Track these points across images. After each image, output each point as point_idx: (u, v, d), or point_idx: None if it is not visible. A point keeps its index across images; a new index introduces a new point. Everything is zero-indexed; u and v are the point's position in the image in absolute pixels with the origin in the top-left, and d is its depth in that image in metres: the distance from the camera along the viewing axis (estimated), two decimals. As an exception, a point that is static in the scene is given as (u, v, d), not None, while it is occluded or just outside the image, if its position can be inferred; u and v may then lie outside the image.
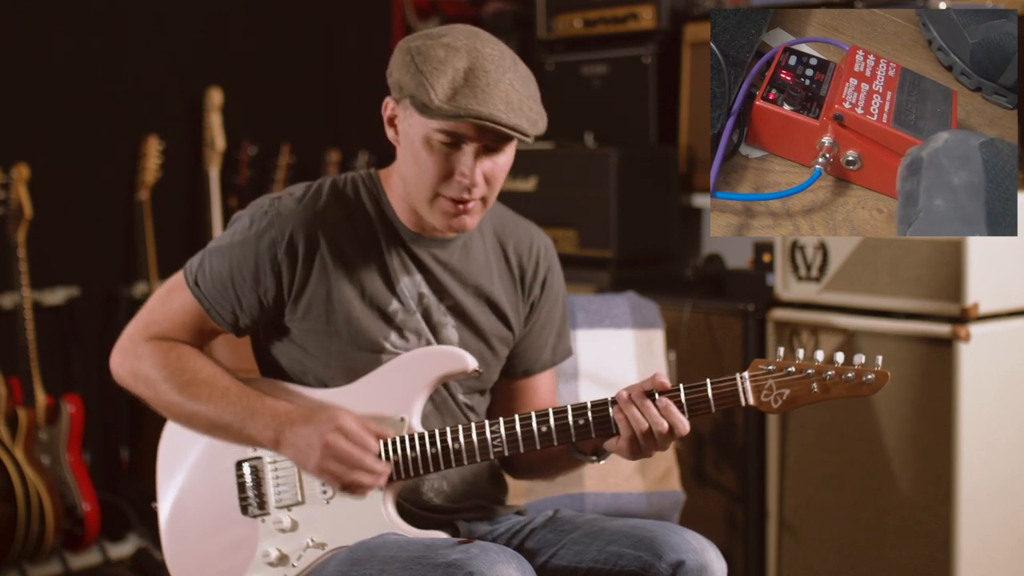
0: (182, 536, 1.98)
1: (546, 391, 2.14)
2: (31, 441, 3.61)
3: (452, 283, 1.99)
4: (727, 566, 1.87)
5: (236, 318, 1.96)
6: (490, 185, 1.87)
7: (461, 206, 1.87)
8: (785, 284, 3.07)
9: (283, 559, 1.93)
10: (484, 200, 1.89)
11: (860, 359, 1.78)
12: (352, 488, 1.88)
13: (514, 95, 1.80)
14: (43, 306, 3.84)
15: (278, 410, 1.89)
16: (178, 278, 1.99)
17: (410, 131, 1.85)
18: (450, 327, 1.99)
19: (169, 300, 1.99)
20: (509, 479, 2.16)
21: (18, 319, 3.62)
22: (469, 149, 1.83)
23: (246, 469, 1.95)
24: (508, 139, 1.84)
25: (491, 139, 1.83)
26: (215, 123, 4.01)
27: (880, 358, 1.79)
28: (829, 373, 1.78)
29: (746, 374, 1.81)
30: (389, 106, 1.89)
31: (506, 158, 1.87)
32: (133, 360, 1.97)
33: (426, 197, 1.87)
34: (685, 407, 1.82)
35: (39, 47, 3.84)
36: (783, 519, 3.11)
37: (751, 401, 1.81)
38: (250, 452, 1.95)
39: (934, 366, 2.79)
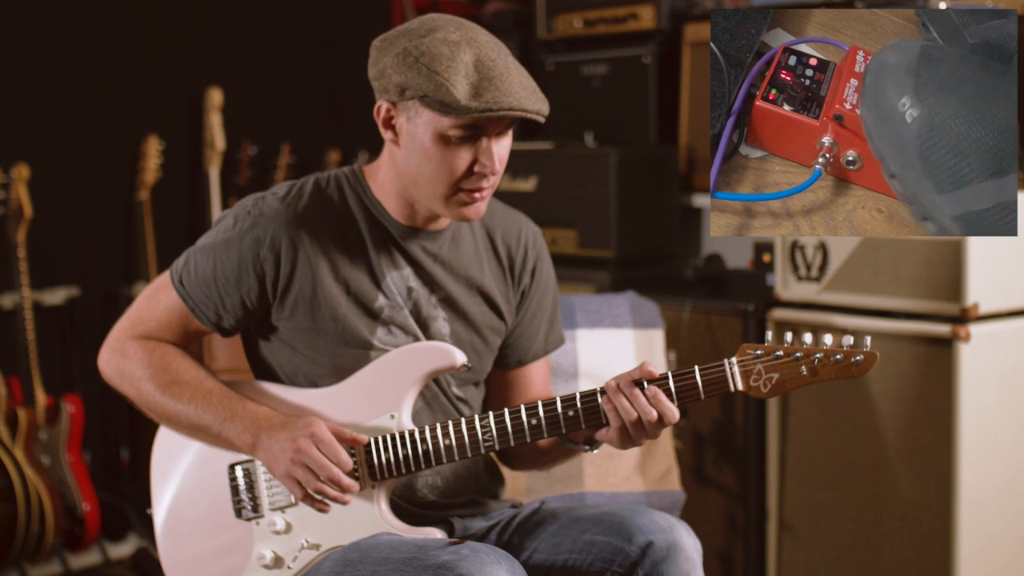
0: (178, 540, 1.98)
1: (540, 380, 2.14)
2: (31, 441, 3.61)
3: (442, 274, 1.99)
4: (700, 546, 1.87)
5: (220, 317, 1.96)
6: (501, 165, 1.89)
7: (478, 194, 1.87)
8: (785, 284, 3.07)
9: (278, 561, 1.92)
10: (494, 184, 1.91)
11: (848, 340, 1.77)
12: (314, 501, 1.87)
13: (524, 79, 1.82)
14: (43, 306, 3.84)
15: (258, 415, 1.89)
16: (164, 277, 1.99)
17: (418, 130, 1.84)
18: (441, 319, 1.99)
19: (155, 299, 1.99)
20: (507, 472, 2.16)
21: (18, 319, 3.62)
22: (487, 138, 1.84)
23: (239, 472, 1.95)
24: (515, 121, 1.85)
25: (505, 125, 1.84)
26: (215, 123, 4.02)
27: (868, 339, 1.78)
28: (818, 355, 1.78)
29: (734, 359, 1.80)
30: (383, 108, 1.87)
31: (510, 139, 1.89)
32: (119, 358, 1.97)
33: (443, 193, 1.87)
34: (674, 395, 1.82)
35: (39, 47, 3.85)
36: (783, 519, 3.11)
37: (740, 386, 1.80)
38: (243, 456, 1.95)
39: (934, 366, 2.79)
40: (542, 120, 1.83)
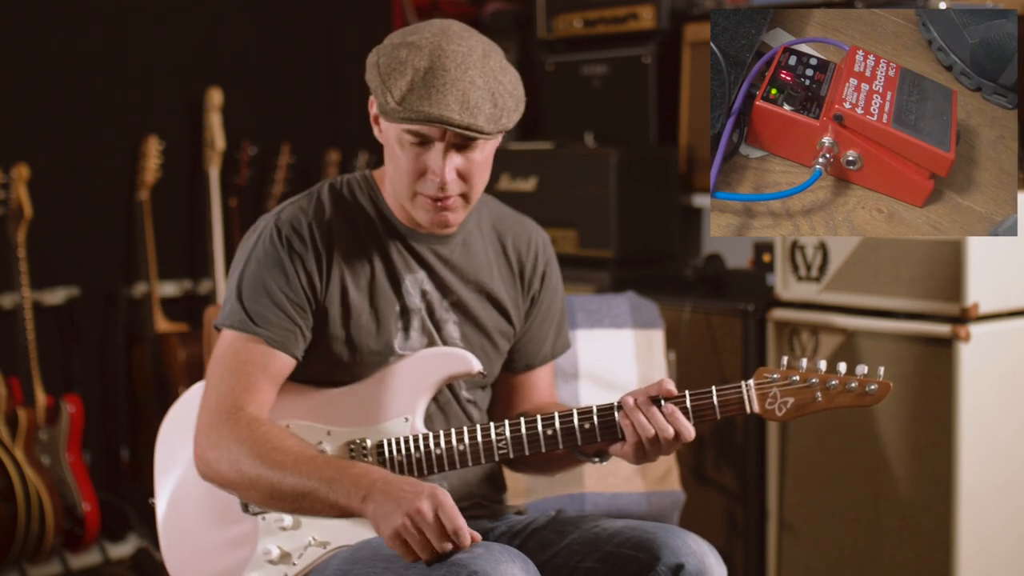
0: (180, 533, 1.97)
1: (546, 384, 2.14)
2: (31, 441, 3.61)
3: (453, 279, 1.99)
4: (727, 570, 1.87)
5: (304, 337, 1.91)
6: (468, 182, 1.87)
7: (440, 203, 1.87)
8: (785, 284, 3.07)
9: (284, 557, 1.92)
10: (466, 197, 1.89)
11: (863, 370, 1.79)
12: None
13: (474, 93, 1.79)
14: (43, 306, 3.84)
15: (370, 472, 1.80)
16: (225, 342, 1.90)
17: (387, 130, 1.87)
18: (452, 323, 2.00)
19: (232, 364, 1.88)
20: (509, 477, 2.16)
21: (18, 319, 3.62)
22: (438, 148, 1.83)
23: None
24: (476, 137, 1.83)
25: (458, 138, 1.83)
26: (215, 123, 4.01)
27: (882, 369, 1.80)
28: (833, 383, 1.80)
29: (751, 382, 1.82)
30: (373, 104, 1.89)
31: (482, 155, 1.87)
32: (212, 449, 1.85)
33: (407, 195, 1.89)
34: (690, 413, 1.82)
35: (39, 47, 3.84)
36: (783, 519, 3.11)
37: (756, 409, 1.82)
38: None
39: (934, 366, 2.79)
40: (476, 136, 1.79)
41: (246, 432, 1.84)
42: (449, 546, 1.72)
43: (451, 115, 1.78)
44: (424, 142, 1.83)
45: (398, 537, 1.73)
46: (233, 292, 1.91)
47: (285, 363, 1.90)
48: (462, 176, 1.86)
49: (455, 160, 1.84)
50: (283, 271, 1.90)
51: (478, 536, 1.75)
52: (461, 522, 1.72)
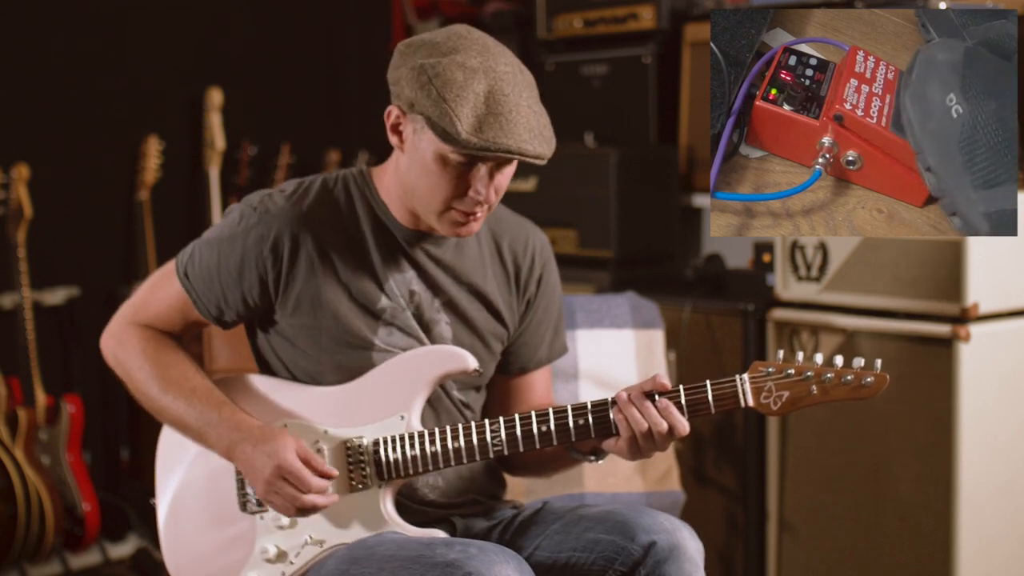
0: (181, 532, 1.99)
1: (542, 388, 2.14)
2: (31, 441, 3.61)
3: (445, 279, 1.99)
4: (703, 548, 1.88)
5: (221, 311, 1.98)
6: (498, 195, 1.90)
7: (471, 216, 1.88)
8: (785, 284, 3.07)
9: (281, 556, 1.93)
10: (491, 206, 1.91)
11: (859, 362, 1.79)
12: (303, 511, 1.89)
13: (533, 119, 1.81)
14: (43, 306, 3.84)
15: (236, 423, 1.91)
16: (170, 266, 2.02)
17: (421, 145, 1.84)
18: (444, 323, 2.00)
19: (159, 287, 2.02)
20: (507, 476, 2.16)
21: (18, 319, 3.62)
22: (485, 169, 1.84)
23: (245, 466, 1.95)
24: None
25: (507, 160, 1.85)
26: (215, 123, 4.02)
27: (879, 361, 1.79)
28: (828, 375, 1.79)
29: (746, 376, 1.82)
30: (393, 114, 1.87)
31: (511, 168, 1.89)
32: (117, 343, 2.01)
33: (437, 210, 1.88)
34: (685, 408, 1.82)
35: (39, 47, 3.85)
36: (783, 519, 3.11)
37: (751, 403, 1.81)
38: None
39: (934, 366, 2.79)
40: (542, 163, 1.84)
41: (143, 346, 1.98)
42: (309, 501, 1.85)
43: (525, 146, 1.79)
44: (472, 163, 1.83)
45: (269, 495, 1.87)
46: (199, 240, 2.00)
47: (198, 319, 2.01)
48: (496, 191, 1.89)
49: (496, 179, 1.87)
50: (233, 254, 1.94)
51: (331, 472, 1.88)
52: (313, 481, 1.85)
